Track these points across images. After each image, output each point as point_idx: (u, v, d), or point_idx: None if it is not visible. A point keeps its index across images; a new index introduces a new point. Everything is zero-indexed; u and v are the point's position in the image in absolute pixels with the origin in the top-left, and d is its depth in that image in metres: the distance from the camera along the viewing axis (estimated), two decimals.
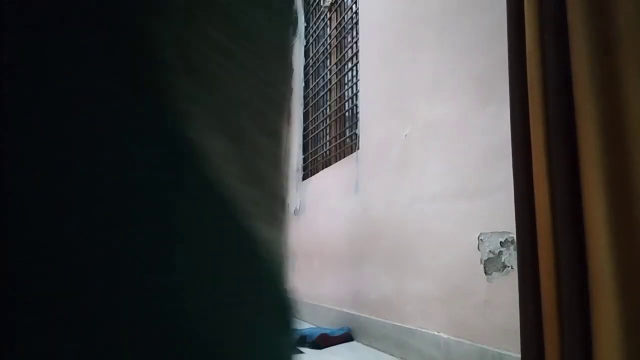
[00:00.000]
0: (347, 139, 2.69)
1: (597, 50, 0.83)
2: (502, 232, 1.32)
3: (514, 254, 1.26)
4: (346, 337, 2.16)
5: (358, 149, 2.37)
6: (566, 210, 0.86)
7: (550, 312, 0.88)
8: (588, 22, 0.85)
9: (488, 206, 1.38)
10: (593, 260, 0.80)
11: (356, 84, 2.60)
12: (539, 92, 0.94)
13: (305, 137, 3.44)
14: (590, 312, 0.80)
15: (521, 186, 0.98)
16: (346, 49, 2.82)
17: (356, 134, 2.44)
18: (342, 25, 2.89)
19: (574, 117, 0.86)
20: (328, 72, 3.11)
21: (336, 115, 2.90)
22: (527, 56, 0.97)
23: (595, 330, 0.78)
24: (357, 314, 2.20)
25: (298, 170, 3.41)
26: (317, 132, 3.22)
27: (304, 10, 3.62)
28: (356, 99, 2.57)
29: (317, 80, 3.29)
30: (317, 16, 3.37)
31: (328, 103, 3.06)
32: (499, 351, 1.27)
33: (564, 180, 0.87)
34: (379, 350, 1.95)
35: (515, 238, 1.26)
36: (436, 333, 1.57)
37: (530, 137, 0.96)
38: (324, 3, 3.16)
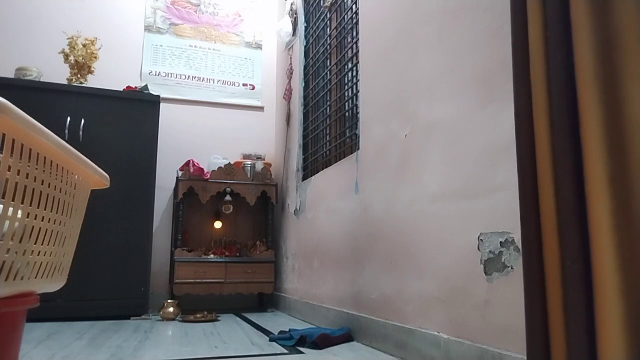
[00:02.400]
0: (347, 139, 2.69)
1: (601, 48, 0.82)
2: (502, 232, 1.31)
3: (514, 254, 1.26)
4: (346, 337, 2.16)
5: (358, 149, 2.37)
6: (571, 209, 0.85)
7: (556, 312, 0.87)
8: (591, 19, 0.84)
9: (488, 206, 1.38)
10: (597, 259, 0.79)
11: (356, 84, 2.59)
12: (543, 90, 0.93)
13: (305, 137, 3.44)
14: (594, 312, 0.79)
15: (527, 185, 0.97)
16: (346, 49, 2.81)
17: (356, 134, 2.44)
18: (342, 25, 2.89)
19: (578, 115, 0.85)
20: (328, 72, 3.11)
21: (336, 115, 2.90)
22: (530, 54, 0.96)
23: (599, 329, 0.78)
24: (357, 314, 2.19)
25: (298, 170, 3.41)
26: (317, 132, 3.22)
27: (304, 10, 3.62)
28: (356, 99, 2.57)
29: (317, 80, 3.28)
30: (317, 16, 3.36)
31: (328, 103, 3.06)
32: (499, 351, 1.27)
33: (569, 180, 0.86)
34: (379, 350, 1.95)
35: (515, 238, 1.26)
36: (436, 333, 1.57)
37: (535, 135, 0.95)
38: (324, 3, 3.15)
